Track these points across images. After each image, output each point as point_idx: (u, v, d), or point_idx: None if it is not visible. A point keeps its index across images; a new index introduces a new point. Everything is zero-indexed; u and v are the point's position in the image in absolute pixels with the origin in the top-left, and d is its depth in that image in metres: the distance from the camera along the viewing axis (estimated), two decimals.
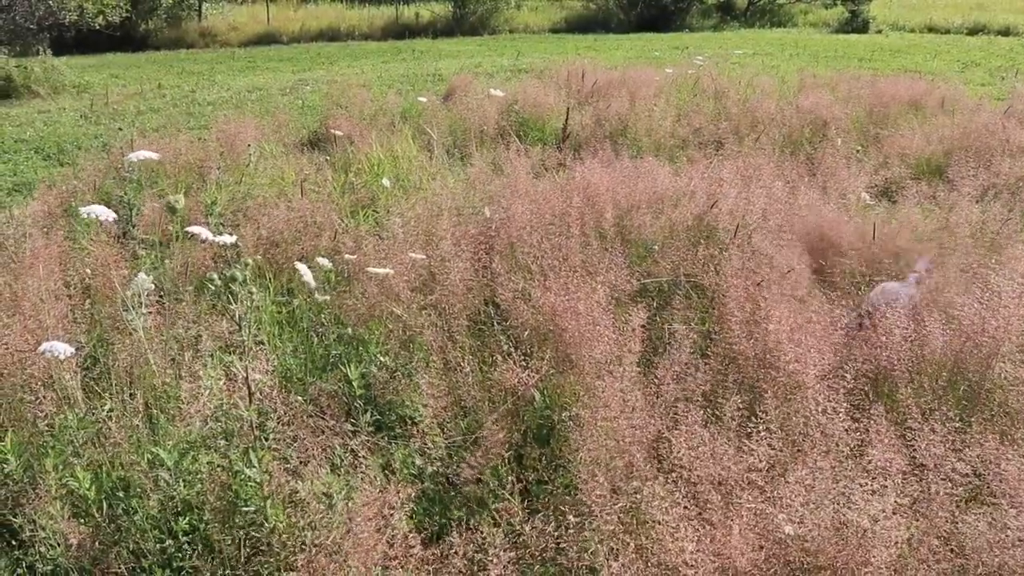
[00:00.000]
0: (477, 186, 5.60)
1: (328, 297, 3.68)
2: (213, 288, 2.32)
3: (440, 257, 3.86)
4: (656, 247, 4.61)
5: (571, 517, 2.45)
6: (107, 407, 3.08)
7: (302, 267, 3.42)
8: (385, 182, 5.53)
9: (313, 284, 3.42)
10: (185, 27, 30.81)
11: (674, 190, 5.38)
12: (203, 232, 3.22)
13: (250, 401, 2.46)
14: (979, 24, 24.23)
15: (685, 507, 2.33)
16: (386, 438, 3.09)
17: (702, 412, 2.80)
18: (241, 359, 2.58)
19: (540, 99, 9.56)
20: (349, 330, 3.46)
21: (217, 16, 32.08)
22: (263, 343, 3.35)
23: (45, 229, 5.37)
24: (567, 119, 7.19)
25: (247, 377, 2.45)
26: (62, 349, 2.75)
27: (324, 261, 3.66)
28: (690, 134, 8.49)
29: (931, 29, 25.38)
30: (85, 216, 3.15)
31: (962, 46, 20.70)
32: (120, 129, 11.02)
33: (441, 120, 8.57)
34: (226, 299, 2.34)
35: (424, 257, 3.99)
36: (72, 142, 10.41)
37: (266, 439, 2.49)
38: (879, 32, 25.21)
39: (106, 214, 3.14)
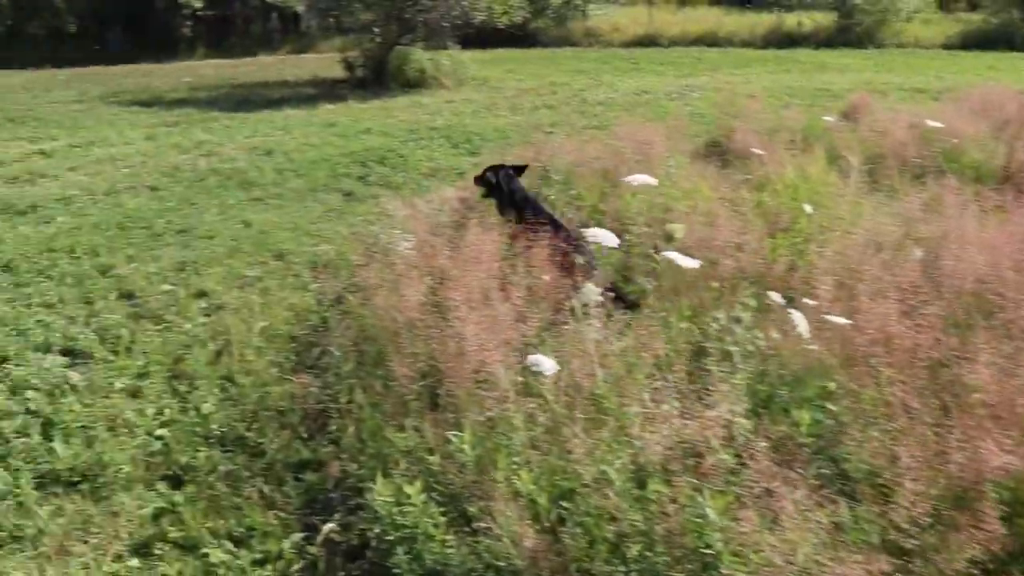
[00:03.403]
0: (908, 224, 5.19)
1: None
2: (716, 328, 2.27)
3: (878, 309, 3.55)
4: None
5: None
6: (554, 413, 3.17)
7: (797, 316, 3.21)
8: (807, 208, 5.29)
9: (807, 333, 3.19)
10: (571, 26, 32.10)
11: None
12: (678, 257, 3.20)
13: (729, 441, 2.40)
14: None
15: None
16: (840, 494, 2.91)
17: None
18: (710, 394, 2.53)
19: (956, 126, 8.75)
20: (803, 373, 3.29)
21: (600, 16, 33.11)
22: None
23: (470, 220, 5.74)
24: (1012, 155, 6.48)
25: (725, 416, 2.40)
26: (548, 365, 2.85)
27: (777, 297, 3.52)
28: None
29: None
30: (591, 240, 3.23)
31: None
32: (539, 128, 11.55)
33: (850, 143, 8.10)
34: (718, 338, 2.29)
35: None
36: (477, 133, 11.13)
37: (736, 483, 2.42)
38: None
39: (610, 239, 3.22)
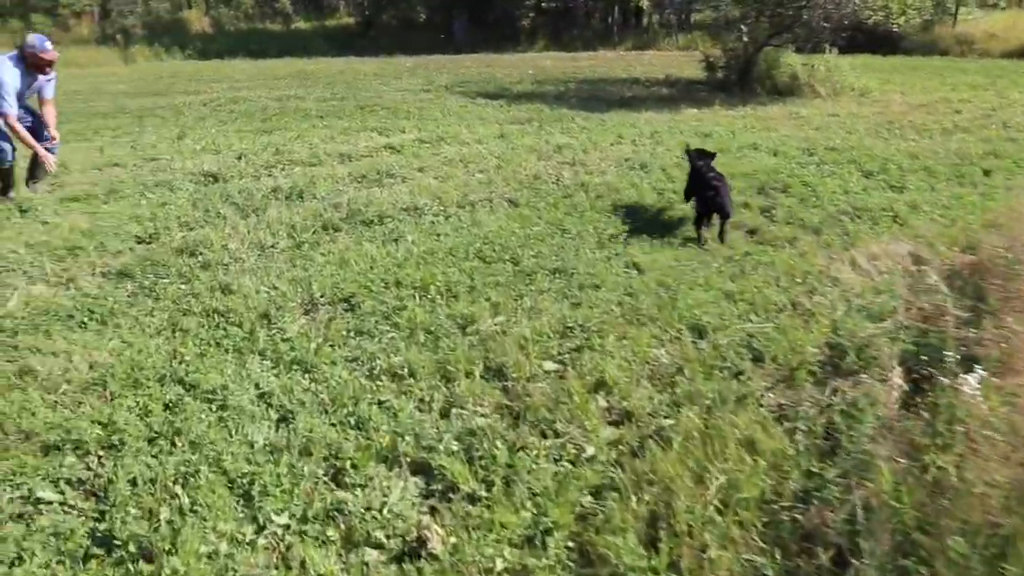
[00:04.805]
0: None
1: None
2: None
3: None
4: None
5: None
6: None
7: None
8: None
9: None
10: (938, 32, 28.47)
11: None
12: None
13: None
14: None
15: None
16: None
17: None
18: None
19: None
20: None
21: (970, 22, 29.19)
22: None
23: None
24: None
25: None
26: None
27: None
28: None
29: None
30: None
31: None
32: (966, 158, 9.06)
33: None
34: None
35: None
36: (889, 159, 8.78)
37: None
38: None
39: None
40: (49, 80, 7.20)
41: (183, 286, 5.14)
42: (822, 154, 9.10)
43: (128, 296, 4.98)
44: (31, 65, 6.92)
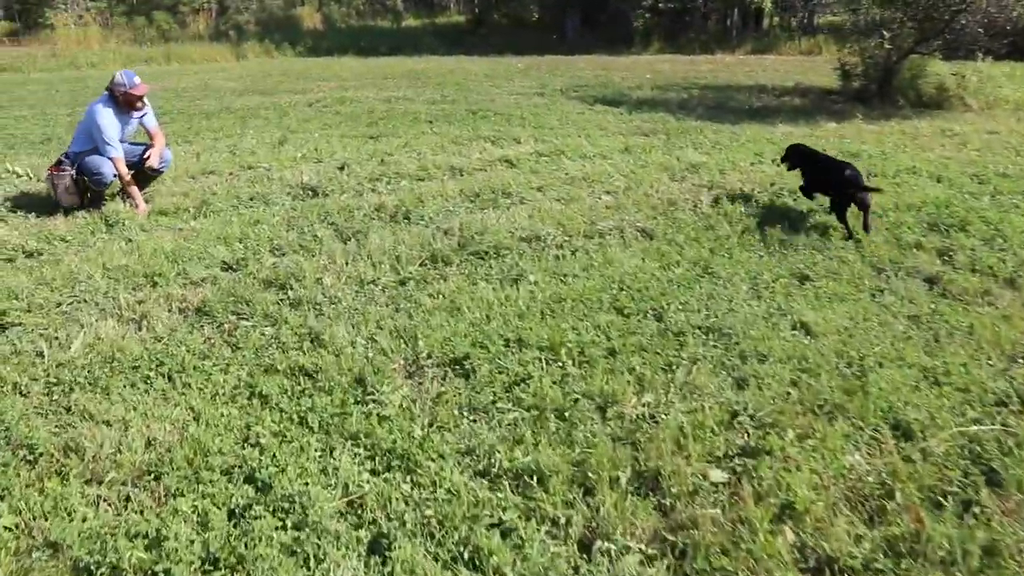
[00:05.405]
0: None
1: None
2: None
3: None
4: None
5: None
6: None
7: None
8: None
9: None
10: None
11: None
12: None
13: None
14: None
15: None
16: None
17: None
18: None
19: None
20: None
21: None
22: None
23: None
24: None
25: None
26: None
27: None
28: None
29: None
30: None
31: None
32: None
33: None
34: None
35: None
36: None
37: None
38: None
39: None
40: (144, 114, 6.97)
41: (267, 330, 4.42)
42: (995, 182, 7.86)
43: (203, 343, 4.27)
44: (124, 103, 6.73)
